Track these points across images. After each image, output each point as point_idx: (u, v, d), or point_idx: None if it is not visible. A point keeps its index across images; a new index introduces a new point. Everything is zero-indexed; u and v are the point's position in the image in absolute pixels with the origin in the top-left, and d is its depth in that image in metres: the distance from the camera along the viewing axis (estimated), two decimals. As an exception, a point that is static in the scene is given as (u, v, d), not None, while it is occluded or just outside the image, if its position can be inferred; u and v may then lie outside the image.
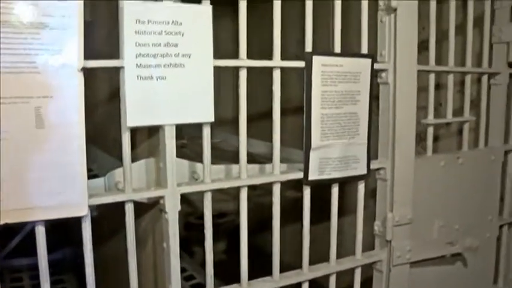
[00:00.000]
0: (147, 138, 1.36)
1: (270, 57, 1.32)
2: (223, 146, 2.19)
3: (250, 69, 1.28)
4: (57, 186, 1.09)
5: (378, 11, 1.51)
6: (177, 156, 1.25)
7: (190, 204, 2.40)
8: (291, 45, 1.59)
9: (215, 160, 1.34)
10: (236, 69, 1.28)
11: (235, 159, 1.34)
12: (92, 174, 1.48)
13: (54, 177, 1.09)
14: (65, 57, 1.07)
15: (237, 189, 1.32)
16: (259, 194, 1.82)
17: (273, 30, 1.31)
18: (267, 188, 1.38)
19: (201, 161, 1.30)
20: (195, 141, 2.27)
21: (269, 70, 1.32)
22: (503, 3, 1.80)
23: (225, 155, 1.92)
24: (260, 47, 1.31)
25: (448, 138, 2.04)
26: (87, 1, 1.11)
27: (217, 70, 1.24)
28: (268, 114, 1.37)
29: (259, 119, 1.69)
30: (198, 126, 1.25)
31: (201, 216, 1.32)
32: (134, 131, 1.27)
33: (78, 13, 1.08)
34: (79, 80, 1.09)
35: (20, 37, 1.04)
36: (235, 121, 1.31)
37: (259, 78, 1.34)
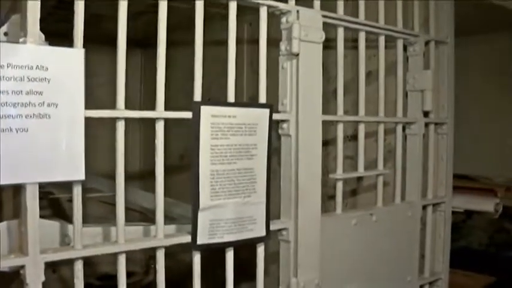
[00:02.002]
0: (12, 196, 1.32)
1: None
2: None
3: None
4: None
5: (279, 56, 1.54)
6: (64, 212, 1.22)
7: (90, 265, 2.35)
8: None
9: (99, 220, 1.31)
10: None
11: (132, 218, 1.32)
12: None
13: None
14: None
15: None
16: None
17: (157, 75, 1.31)
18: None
19: (93, 220, 1.26)
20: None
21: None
22: (416, 50, 1.88)
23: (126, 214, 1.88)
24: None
25: (366, 193, 2.09)
26: None
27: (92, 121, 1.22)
28: (171, 166, 1.36)
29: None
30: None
31: (102, 277, 1.28)
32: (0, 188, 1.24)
33: None
34: None
35: None
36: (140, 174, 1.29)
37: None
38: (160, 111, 1.32)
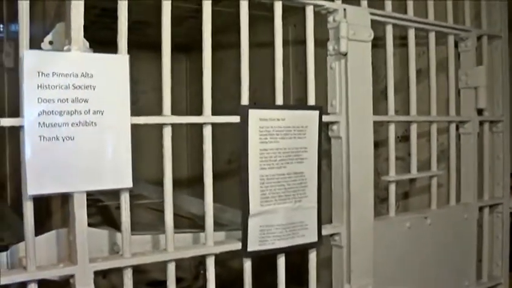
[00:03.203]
0: (61, 205, 1.30)
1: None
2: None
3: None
4: None
5: (327, 56, 1.50)
6: (113, 219, 1.19)
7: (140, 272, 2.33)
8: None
9: (148, 227, 1.28)
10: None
11: (181, 224, 1.29)
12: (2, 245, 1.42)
13: None
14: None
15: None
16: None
17: (203, 81, 1.27)
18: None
19: (142, 227, 1.24)
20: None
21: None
22: (468, 45, 1.80)
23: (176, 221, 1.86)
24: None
25: (419, 195, 2.02)
26: None
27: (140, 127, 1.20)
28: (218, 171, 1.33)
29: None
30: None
31: (152, 283, 1.25)
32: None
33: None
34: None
35: None
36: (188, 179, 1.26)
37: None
38: (207, 116, 1.29)
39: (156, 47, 1.24)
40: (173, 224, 1.26)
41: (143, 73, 2.38)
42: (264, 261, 1.40)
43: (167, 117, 1.24)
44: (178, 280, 2.40)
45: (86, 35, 1.19)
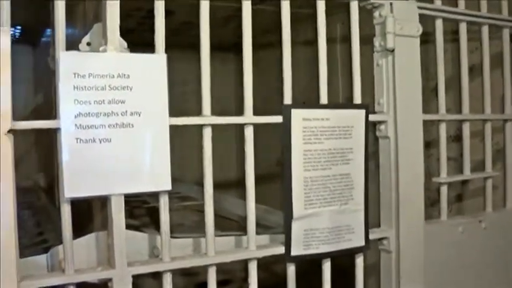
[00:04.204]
0: (101, 207, 1.28)
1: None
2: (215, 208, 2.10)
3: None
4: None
5: (374, 53, 1.43)
6: (154, 222, 1.17)
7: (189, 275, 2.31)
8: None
9: (194, 229, 1.25)
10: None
11: (228, 227, 1.26)
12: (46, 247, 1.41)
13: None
14: (-13, 119, 1.01)
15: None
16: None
17: (244, 80, 1.23)
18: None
19: (189, 230, 1.21)
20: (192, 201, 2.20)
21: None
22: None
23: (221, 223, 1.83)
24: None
25: (473, 198, 1.93)
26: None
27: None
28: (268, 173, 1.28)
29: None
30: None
31: (202, 284, 1.22)
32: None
33: (3, 67, 1.03)
34: (6, 144, 1.03)
35: None
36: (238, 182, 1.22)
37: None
38: (248, 117, 1.24)
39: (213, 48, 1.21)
40: (220, 226, 1.23)
41: (190, 74, 2.36)
42: (310, 266, 1.35)
43: (207, 117, 1.20)
44: (227, 282, 2.38)
45: (133, 38, 1.17)
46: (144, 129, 1.12)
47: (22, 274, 1.07)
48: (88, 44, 1.16)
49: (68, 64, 1.06)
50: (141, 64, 1.12)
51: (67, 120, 1.06)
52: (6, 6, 1.04)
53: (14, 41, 2.48)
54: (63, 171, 1.07)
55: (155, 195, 1.22)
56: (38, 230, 1.63)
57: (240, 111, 1.24)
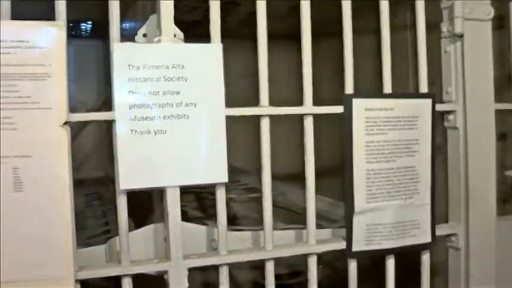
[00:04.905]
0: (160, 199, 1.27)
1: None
2: (280, 200, 2.07)
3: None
4: (37, 257, 1.03)
5: (441, 39, 1.36)
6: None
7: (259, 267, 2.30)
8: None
9: (258, 222, 1.23)
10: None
11: (289, 219, 1.23)
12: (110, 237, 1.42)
13: (34, 247, 1.03)
14: (45, 111, 1.02)
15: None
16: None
17: (303, 70, 1.19)
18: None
19: (253, 222, 1.19)
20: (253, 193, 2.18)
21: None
22: None
23: (277, 213, 1.80)
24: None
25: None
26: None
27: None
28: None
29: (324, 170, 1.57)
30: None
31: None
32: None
33: (59, 60, 1.02)
34: (62, 136, 1.02)
35: (-7, 90, 1.00)
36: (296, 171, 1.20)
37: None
38: (307, 107, 1.20)
39: (275, 37, 1.18)
40: (284, 218, 1.20)
41: (254, 65, 2.34)
42: (374, 263, 1.30)
43: (264, 108, 1.17)
44: (296, 274, 2.35)
45: (200, 30, 1.15)
46: (200, 121, 1.10)
47: (80, 264, 1.08)
48: (144, 35, 1.15)
49: (122, 56, 1.06)
50: (196, 54, 1.10)
51: (121, 111, 1.06)
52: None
53: (86, 36, 2.55)
54: (118, 162, 1.06)
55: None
56: (103, 220, 1.65)
57: (294, 102, 1.21)
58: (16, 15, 1.04)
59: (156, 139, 1.07)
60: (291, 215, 1.83)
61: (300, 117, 1.21)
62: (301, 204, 2.03)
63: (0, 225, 1.01)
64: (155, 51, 1.08)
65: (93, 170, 2.46)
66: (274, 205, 1.24)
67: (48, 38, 1.03)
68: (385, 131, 1.24)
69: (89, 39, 2.41)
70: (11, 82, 1.00)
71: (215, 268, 1.17)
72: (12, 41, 1.01)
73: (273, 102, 1.18)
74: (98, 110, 1.66)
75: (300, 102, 1.21)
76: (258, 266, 1.35)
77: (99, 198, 2.03)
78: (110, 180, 2.33)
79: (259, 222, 1.26)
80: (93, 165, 2.53)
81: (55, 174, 1.03)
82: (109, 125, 1.09)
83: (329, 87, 1.25)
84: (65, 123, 1.03)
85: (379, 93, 1.26)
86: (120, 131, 1.06)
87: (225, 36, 1.12)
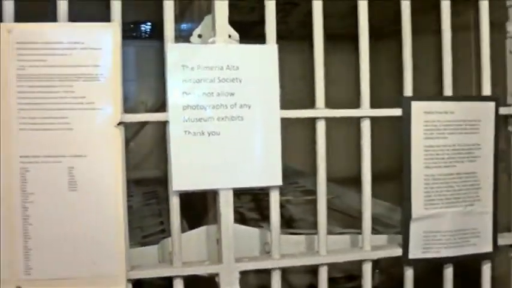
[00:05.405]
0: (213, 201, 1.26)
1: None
2: (337, 203, 2.03)
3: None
4: (91, 255, 1.04)
5: (506, 39, 1.31)
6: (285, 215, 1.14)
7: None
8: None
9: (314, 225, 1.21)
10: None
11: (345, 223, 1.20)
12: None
13: (87, 245, 1.04)
14: (99, 111, 1.02)
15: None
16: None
17: (360, 71, 1.16)
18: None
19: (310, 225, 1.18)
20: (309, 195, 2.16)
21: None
22: None
23: (333, 216, 1.77)
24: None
25: None
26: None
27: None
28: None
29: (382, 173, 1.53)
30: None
31: (331, 279, 1.19)
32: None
33: (114, 61, 1.02)
34: (116, 136, 1.03)
35: (51, 90, 1.00)
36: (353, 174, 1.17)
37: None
38: (364, 110, 1.17)
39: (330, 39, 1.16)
40: (341, 222, 1.18)
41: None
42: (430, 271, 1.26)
43: (320, 110, 1.14)
44: (352, 278, 2.30)
45: (258, 30, 1.14)
46: (254, 122, 1.08)
47: (133, 263, 1.08)
48: (199, 36, 1.14)
49: (176, 56, 1.05)
50: (251, 55, 1.09)
51: (175, 112, 1.05)
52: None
53: (146, 37, 2.58)
54: (171, 164, 1.06)
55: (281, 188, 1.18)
56: (159, 219, 1.66)
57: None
58: (73, 17, 1.05)
59: (209, 140, 1.06)
60: (347, 219, 1.80)
61: (358, 120, 1.18)
62: (357, 207, 1.99)
63: (56, 224, 1.02)
64: (209, 52, 1.07)
65: (151, 169, 2.48)
66: (331, 208, 1.22)
67: (103, 39, 1.03)
68: (445, 135, 1.19)
69: (149, 40, 2.43)
70: (67, 83, 1.01)
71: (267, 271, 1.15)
72: (69, 42, 1.02)
73: (331, 104, 1.15)
74: (158, 110, 1.66)
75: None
76: (314, 270, 1.32)
77: (156, 197, 2.04)
78: (167, 179, 2.36)
79: (315, 225, 1.23)
80: (152, 164, 2.55)
81: (109, 173, 1.04)
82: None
83: (389, 89, 1.21)
84: (119, 123, 1.03)
85: (439, 96, 1.21)
86: (174, 132, 1.05)
87: (284, 37, 1.10)
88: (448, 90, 1.21)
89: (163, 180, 2.33)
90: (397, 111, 1.18)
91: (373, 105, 1.17)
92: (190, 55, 1.05)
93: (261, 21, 1.12)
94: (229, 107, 1.07)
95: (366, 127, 1.17)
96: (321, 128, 1.14)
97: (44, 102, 1.01)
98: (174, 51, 1.05)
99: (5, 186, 1.01)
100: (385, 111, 1.18)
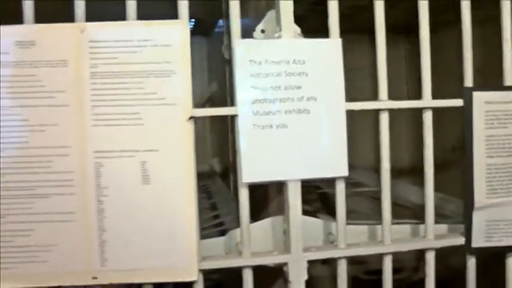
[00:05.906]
0: (277, 192, 1.28)
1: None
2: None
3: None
4: (163, 247, 1.07)
5: None
6: (332, 207, 1.16)
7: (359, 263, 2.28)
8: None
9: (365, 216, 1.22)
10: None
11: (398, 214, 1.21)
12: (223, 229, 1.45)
13: (160, 237, 1.07)
14: (171, 106, 1.05)
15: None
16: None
17: (421, 62, 1.17)
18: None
19: (360, 216, 1.19)
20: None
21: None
22: None
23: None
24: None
25: None
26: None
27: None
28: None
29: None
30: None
31: (373, 272, 1.21)
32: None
33: (183, 57, 1.05)
34: (187, 131, 1.05)
35: (123, 87, 1.03)
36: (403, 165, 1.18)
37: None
38: (427, 100, 1.18)
39: (373, 31, 1.17)
40: (394, 213, 1.18)
41: (363, 58, 2.31)
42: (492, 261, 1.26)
43: (383, 102, 1.15)
44: (397, 271, 2.30)
45: (304, 24, 1.15)
46: (320, 115, 1.10)
47: (202, 255, 1.10)
48: (262, 31, 1.16)
49: (244, 52, 1.07)
50: (316, 49, 1.10)
51: (244, 106, 1.07)
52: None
53: (190, 33, 2.60)
54: (240, 156, 1.08)
55: (327, 181, 1.20)
56: (213, 213, 1.68)
57: (411, 96, 1.19)
58: (140, 16, 1.08)
59: (277, 133, 1.08)
60: (399, 210, 1.81)
61: (417, 111, 1.19)
62: (409, 198, 2.00)
63: (130, 216, 1.05)
64: (276, 47, 1.08)
65: (198, 164, 2.51)
66: (377, 198, 1.23)
67: (172, 36, 1.06)
68: (506, 124, 1.19)
69: (192, 37, 2.46)
70: (138, 79, 1.04)
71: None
72: (139, 40, 1.05)
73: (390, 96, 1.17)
74: (202, 106, 1.67)
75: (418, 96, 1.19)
76: (356, 261, 1.33)
77: (205, 191, 2.06)
78: (215, 173, 2.39)
79: (366, 216, 1.25)
80: (198, 160, 2.58)
81: (181, 167, 1.06)
82: (212, 120, 1.11)
83: (450, 80, 1.22)
84: (190, 118, 1.05)
85: (500, 86, 1.22)
86: (243, 125, 1.07)
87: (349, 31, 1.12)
88: (509, 80, 1.21)
89: (211, 175, 2.37)
90: (458, 102, 1.18)
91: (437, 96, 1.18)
92: (257, 50, 1.07)
93: (306, 16, 1.12)
94: (296, 100, 1.09)
95: (428, 118, 1.18)
96: (384, 119, 1.15)
97: (116, 99, 1.04)
98: (241, 46, 1.07)
99: (80, 180, 1.04)
100: (446, 102, 1.19)
